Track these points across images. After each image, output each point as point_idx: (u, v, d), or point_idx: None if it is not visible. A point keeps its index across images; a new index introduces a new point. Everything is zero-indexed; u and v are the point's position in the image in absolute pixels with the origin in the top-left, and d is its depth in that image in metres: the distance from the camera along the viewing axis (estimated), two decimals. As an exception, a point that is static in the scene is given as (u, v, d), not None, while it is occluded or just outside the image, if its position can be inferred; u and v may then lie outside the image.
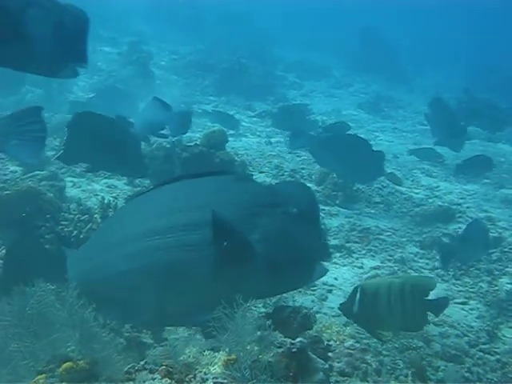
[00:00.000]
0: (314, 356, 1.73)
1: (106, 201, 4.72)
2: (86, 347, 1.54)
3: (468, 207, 6.63)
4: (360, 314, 2.75)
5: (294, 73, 14.68)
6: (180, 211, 2.18)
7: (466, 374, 3.20)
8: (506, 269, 5.05)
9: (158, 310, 2.08)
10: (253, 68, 12.24)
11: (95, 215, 4.56)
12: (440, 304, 2.98)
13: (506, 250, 5.43)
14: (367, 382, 2.14)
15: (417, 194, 6.97)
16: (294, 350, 1.65)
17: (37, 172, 5.51)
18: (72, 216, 4.51)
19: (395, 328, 2.97)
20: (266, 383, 1.38)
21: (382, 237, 5.53)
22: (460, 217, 6.27)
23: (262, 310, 3.34)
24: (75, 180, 5.84)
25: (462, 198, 6.94)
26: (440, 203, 6.55)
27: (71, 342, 1.56)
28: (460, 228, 5.94)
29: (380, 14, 25.37)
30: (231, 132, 8.65)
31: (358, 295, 2.76)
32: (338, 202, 6.24)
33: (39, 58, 2.47)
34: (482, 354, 3.57)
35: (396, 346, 3.51)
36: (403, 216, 6.15)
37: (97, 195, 5.48)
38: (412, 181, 7.47)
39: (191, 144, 6.23)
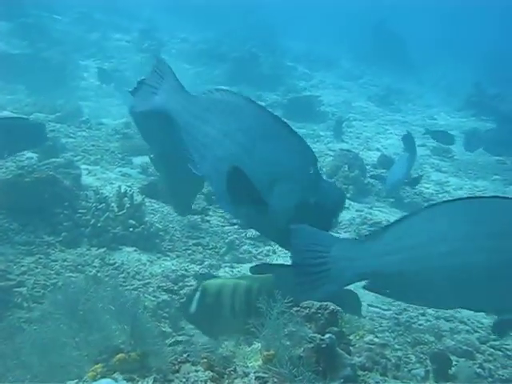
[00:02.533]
0: (341, 351, 1.79)
1: (122, 190, 4.78)
2: (137, 341, 1.62)
3: (478, 203, 6.67)
4: (198, 315, 2.55)
5: (303, 63, 14.67)
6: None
7: (478, 370, 3.26)
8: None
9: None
10: (263, 58, 12.24)
11: (112, 204, 4.63)
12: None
13: (515, 247, 5.47)
14: (387, 376, 2.21)
15: (427, 188, 7.01)
16: (323, 345, 1.72)
17: (53, 159, 5.57)
18: (89, 204, 4.59)
19: (239, 331, 2.51)
20: (310, 379, 1.45)
21: (392, 231, 5.58)
22: (470, 213, 6.31)
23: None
24: (90, 168, 5.90)
25: (471, 194, 6.98)
26: (450, 199, 6.58)
27: (122, 335, 1.64)
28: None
29: (390, 5, 25.21)
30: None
31: (197, 294, 2.57)
32: (349, 195, 6.29)
33: (279, 230, 2.41)
34: (492, 350, 3.63)
35: (408, 340, 3.58)
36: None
37: (112, 183, 5.55)
38: (422, 175, 7.50)
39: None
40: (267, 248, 4.91)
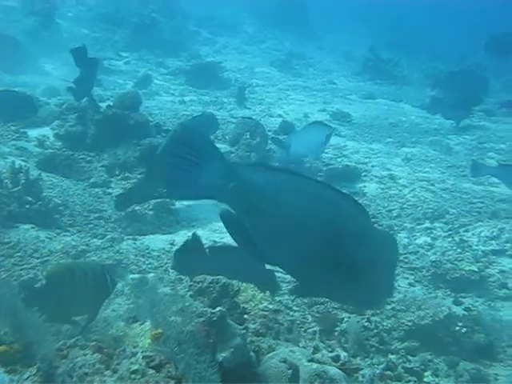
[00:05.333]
0: (232, 323, 1.90)
1: (16, 165, 4.60)
2: (19, 332, 1.61)
3: (373, 166, 7.02)
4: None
5: (206, 28, 14.52)
6: None
7: (366, 324, 3.54)
8: (404, 224, 5.48)
9: None
10: (164, 23, 11.96)
11: (5, 180, 4.45)
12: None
13: (404, 206, 5.87)
14: (279, 340, 2.36)
15: (326, 153, 7.25)
16: (214, 318, 1.81)
17: None
18: (-21, 182, 4.38)
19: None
20: (192, 356, 1.54)
21: (293, 196, 5.76)
22: (365, 175, 6.64)
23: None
24: (-21, 143, 5.60)
25: (367, 157, 7.33)
26: (347, 162, 6.88)
27: (4, 327, 1.62)
28: (365, 186, 6.33)
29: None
30: (144, 91, 8.53)
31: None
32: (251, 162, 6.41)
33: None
34: (380, 304, 3.96)
35: (306, 301, 3.79)
36: (313, 176, 6.42)
37: (5, 158, 5.30)
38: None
39: (103, 104, 6.13)
40: (170, 218, 4.95)
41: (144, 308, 1.78)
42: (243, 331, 1.87)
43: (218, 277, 2.07)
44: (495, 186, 6.42)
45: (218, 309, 1.83)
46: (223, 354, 1.74)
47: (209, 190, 2.19)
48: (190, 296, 1.98)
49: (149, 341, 1.65)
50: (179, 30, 12.39)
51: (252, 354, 1.90)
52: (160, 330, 1.66)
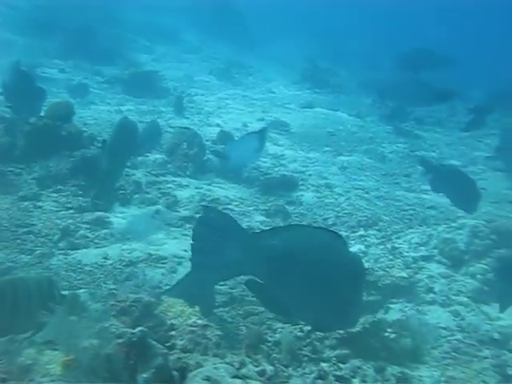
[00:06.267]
0: (153, 342, 1.87)
1: None
2: None
3: (310, 175, 7.12)
4: None
5: (144, 36, 14.33)
6: None
7: (299, 334, 3.58)
8: (340, 232, 5.57)
9: None
10: (102, 30, 11.76)
11: None
12: None
13: (340, 214, 5.99)
14: (207, 355, 2.35)
15: (264, 162, 7.30)
16: (134, 339, 1.78)
17: None
18: None
19: None
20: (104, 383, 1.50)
21: (230, 207, 5.78)
22: (302, 184, 6.72)
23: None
24: None
25: (304, 166, 7.41)
26: (285, 172, 6.94)
27: None
28: (302, 195, 6.40)
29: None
30: (79, 100, 8.34)
31: None
32: (188, 172, 6.38)
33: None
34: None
35: (240, 313, 3.80)
36: (251, 185, 6.45)
37: None
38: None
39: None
40: (104, 231, 4.85)
41: (58, 331, 1.72)
42: (164, 351, 1.85)
43: (141, 295, 2.04)
44: (426, 193, 6.65)
45: (139, 329, 1.80)
46: (144, 375, 1.72)
47: (238, 267, 2.54)
48: (113, 316, 1.93)
49: (61, 369, 1.60)
50: (116, 38, 12.21)
51: (175, 372, 1.88)
52: (71, 357, 1.61)
